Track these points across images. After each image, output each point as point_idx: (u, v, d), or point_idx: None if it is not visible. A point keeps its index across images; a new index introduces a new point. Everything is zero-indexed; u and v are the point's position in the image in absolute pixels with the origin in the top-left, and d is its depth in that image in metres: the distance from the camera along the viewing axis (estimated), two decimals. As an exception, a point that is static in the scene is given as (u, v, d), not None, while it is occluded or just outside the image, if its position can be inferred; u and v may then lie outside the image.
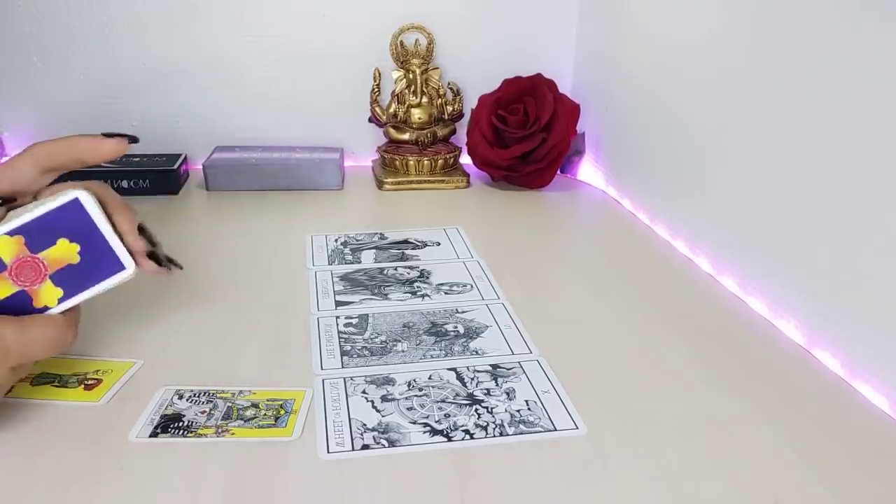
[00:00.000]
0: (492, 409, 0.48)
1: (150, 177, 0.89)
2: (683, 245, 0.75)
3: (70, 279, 0.42)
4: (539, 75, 0.92)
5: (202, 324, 0.59)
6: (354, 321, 0.59)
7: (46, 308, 0.42)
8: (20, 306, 0.41)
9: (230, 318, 0.60)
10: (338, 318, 0.60)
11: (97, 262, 0.42)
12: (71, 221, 0.41)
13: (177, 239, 0.77)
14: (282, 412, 0.47)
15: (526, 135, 0.89)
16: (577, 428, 0.46)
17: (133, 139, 0.50)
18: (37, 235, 0.41)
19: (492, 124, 0.91)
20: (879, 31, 0.48)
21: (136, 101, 0.97)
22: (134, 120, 0.97)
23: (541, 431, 0.46)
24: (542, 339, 0.57)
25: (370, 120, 1.00)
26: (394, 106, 0.99)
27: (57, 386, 0.49)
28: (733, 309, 0.63)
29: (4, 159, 0.96)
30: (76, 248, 0.42)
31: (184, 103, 0.97)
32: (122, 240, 0.44)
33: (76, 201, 0.41)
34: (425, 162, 0.95)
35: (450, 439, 0.45)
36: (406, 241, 0.76)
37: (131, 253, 0.44)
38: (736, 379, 0.52)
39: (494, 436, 0.45)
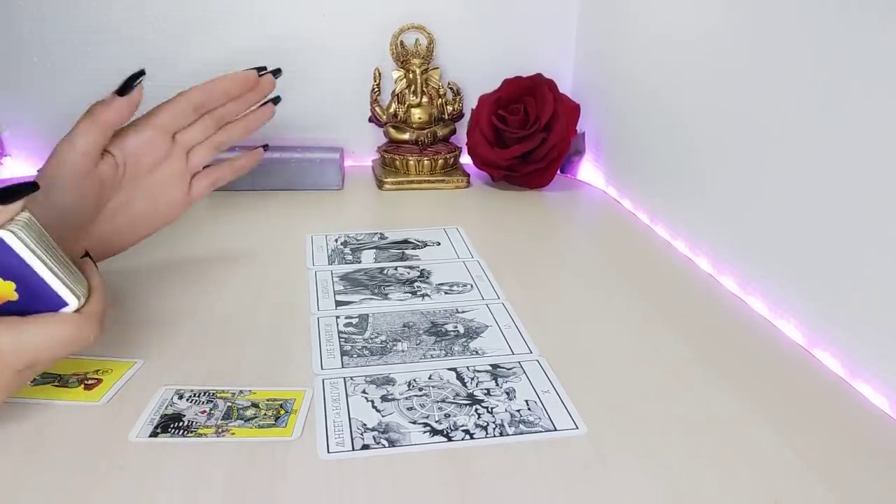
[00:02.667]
0: (492, 409, 0.48)
1: (150, 177, 0.89)
2: (683, 245, 0.75)
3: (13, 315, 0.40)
4: (539, 75, 0.92)
5: (202, 324, 0.59)
6: (354, 321, 0.59)
7: None
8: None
9: (230, 318, 0.60)
10: (338, 317, 0.60)
11: (37, 298, 0.41)
12: (2, 260, 0.39)
13: (177, 239, 0.78)
14: (282, 412, 0.47)
15: (526, 135, 0.89)
16: (577, 428, 0.46)
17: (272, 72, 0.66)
18: None
19: (492, 124, 0.91)
20: (879, 32, 0.48)
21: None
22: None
23: (541, 431, 0.46)
24: (542, 339, 0.57)
25: (370, 120, 1.00)
26: (394, 106, 0.99)
27: (57, 386, 0.49)
28: (733, 309, 0.63)
29: (5, 159, 0.96)
30: (12, 285, 0.40)
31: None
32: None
33: (1, 241, 0.39)
34: (425, 162, 0.95)
35: (450, 439, 0.45)
36: (406, 241, 0.76)
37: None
38: (736, 379, 0.52)
39: (494, 436, 0.45)
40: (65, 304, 0.41)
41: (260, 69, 0.64)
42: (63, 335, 0.41)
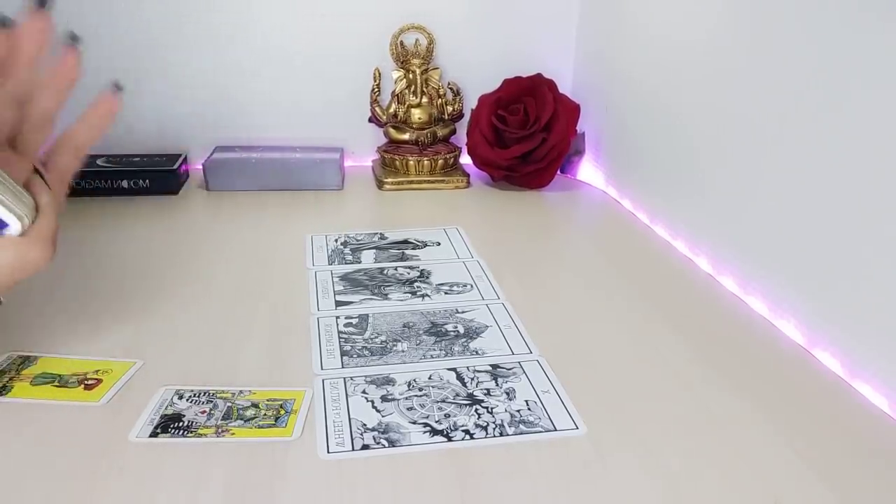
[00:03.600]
0: (492, 409, 0.48)
1: (150, 177, 0.89)
2: (683, 245, 0.75)
3: None
4: (539, 75, 0.92)
5: (202, 324, 0.59)
6: (354, 321, 0.59)
7: None
8: None
9: (230, 318, 0.60)
10: (338, 318, 0.60)
11: None
12: None
13: (177, 239, 0.78)
14: (282, 412, 0.47)
15: (526, 135, 0.89)
16: (577, 428, 0.46)
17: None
18: None
19: (492, 124, 0.91)
20: (878, 32, 0.48)
21: (136, 101, 0.97)
22: (133, 119, 0.97)
23: (541, 431, 0.46)
24: (542, 339, 0.57)
25: (370, 120, 1.00)
26: (394, 106, 0.99)
27: (57, 386, 0.49)
28: (733, 309, 0.63)
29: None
30: None
31: (184, 103, 0.97)
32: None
33: None
34: (425, 162, 0.95)
35: (450, 439, 0.45)
36: (406, 241, 0.76)
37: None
38: (736, 379, 0.52)
39: (494, 436, 0.45)
40: (5, 225, 0.42)
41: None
42: (7, 260, 0.41)
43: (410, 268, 0.70)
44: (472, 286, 0.66)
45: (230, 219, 0.84)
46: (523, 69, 0.94)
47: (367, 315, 0.60)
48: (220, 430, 0.45)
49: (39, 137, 0.50)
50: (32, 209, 0.44)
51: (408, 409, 0.48)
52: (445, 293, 0.64)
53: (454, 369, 0.53)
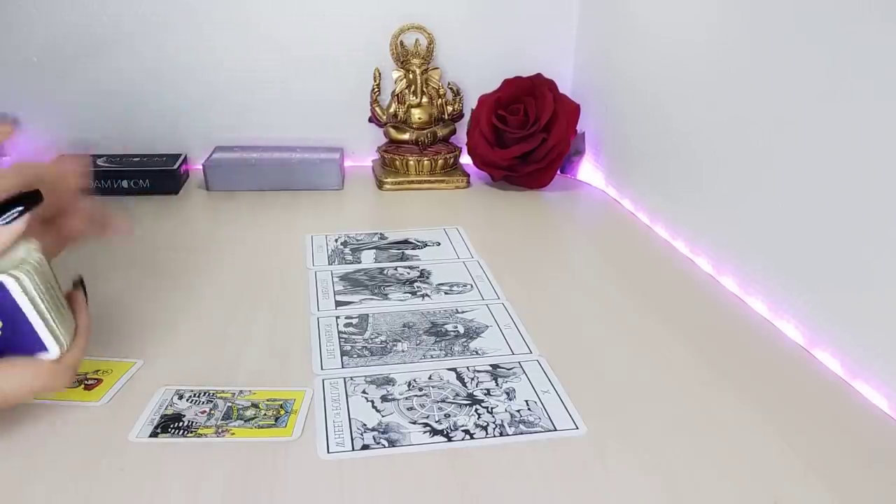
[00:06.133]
0: (492, 409, 0.48)
1: (150, 177, 0.89)
2: (683, 245, 0.75)
3: None
4: (539, 75, 0.92)
5: (202, 324, 0.59)
6: (354, 321, 0.59)
7: None
8: None
9: (230, 318, 0.60)
10: (338, 318, 0.60)
11: (20, 338, 0.41)
12: None
13: (177, 239, 0.78)
14: (282, 412, 0.47)
15: (526, 135, 0.89)
16: (577, 428, 0.46)
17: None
18: None
19: (492, 124, 0.91)
20: (878, 32, 0.48)
21: (136, 100, 0.97)
22: (133, 119, 0.97)
23: (541, 431, 0.46)
24: (542, 339, 0.57)
25: (370, 120, 1.00)
26: (394, 106, 0.99)
27: (57, 386, 0.49)
28: (733, 309, 0.63)
29: (5, 159, 0.96)
30: None
31: (184, 103, 0.97)
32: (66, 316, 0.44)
33: (1, 285, 0.40)
34: (425, 162, 0.95)
35: (450, 439, 0.45)
36: (406, 241, 0.76)
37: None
38: (736, 379, 0.52)
39: (494, 436, 0.45)
40: (45, 349, 0.42)
41: None
42: (36, 385, 0.42)
43: (410, 268, 0.70)
44: (472, 286, 0.66)
45: (230, 219, 0.84)
46: (523, 69, 0.94)
47: (367, 315, 0.60)
48: (220, 430, 0.45)
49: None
50: (72, 332, 0.44)
51: (408, 409, 0.48)
52: (445, 293, 0.64)
53: (454, 369, 0.53)
